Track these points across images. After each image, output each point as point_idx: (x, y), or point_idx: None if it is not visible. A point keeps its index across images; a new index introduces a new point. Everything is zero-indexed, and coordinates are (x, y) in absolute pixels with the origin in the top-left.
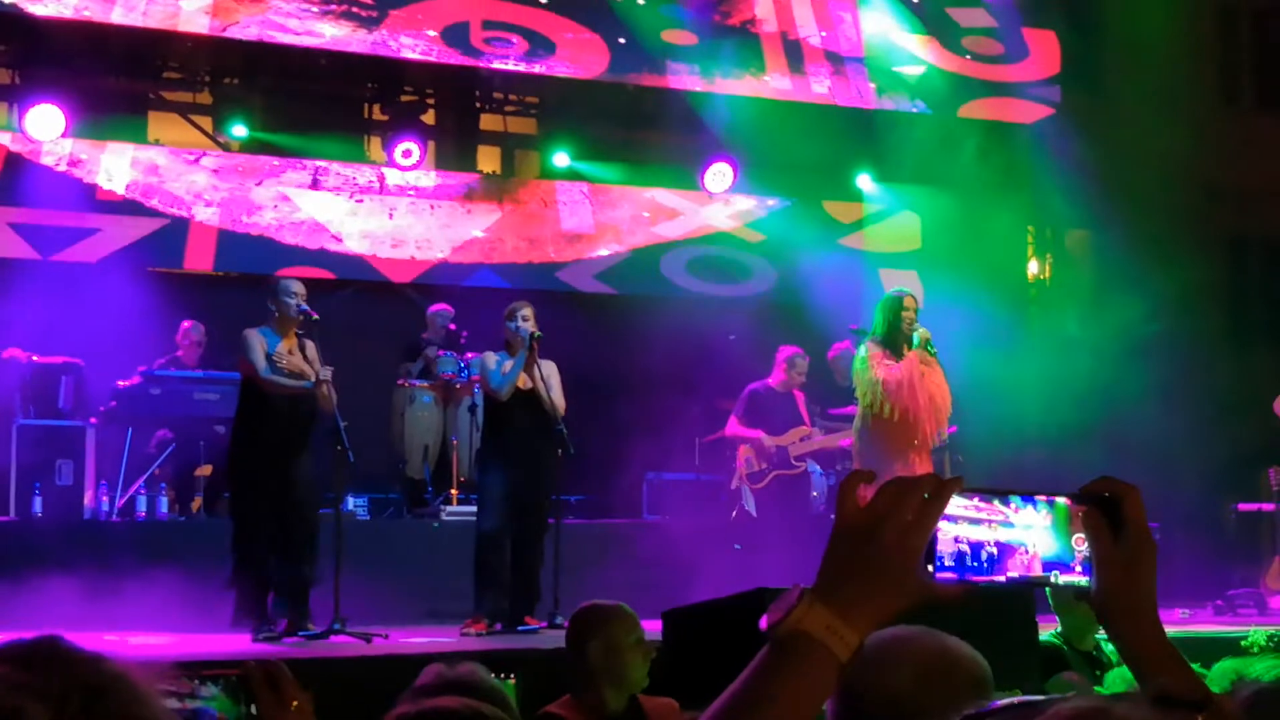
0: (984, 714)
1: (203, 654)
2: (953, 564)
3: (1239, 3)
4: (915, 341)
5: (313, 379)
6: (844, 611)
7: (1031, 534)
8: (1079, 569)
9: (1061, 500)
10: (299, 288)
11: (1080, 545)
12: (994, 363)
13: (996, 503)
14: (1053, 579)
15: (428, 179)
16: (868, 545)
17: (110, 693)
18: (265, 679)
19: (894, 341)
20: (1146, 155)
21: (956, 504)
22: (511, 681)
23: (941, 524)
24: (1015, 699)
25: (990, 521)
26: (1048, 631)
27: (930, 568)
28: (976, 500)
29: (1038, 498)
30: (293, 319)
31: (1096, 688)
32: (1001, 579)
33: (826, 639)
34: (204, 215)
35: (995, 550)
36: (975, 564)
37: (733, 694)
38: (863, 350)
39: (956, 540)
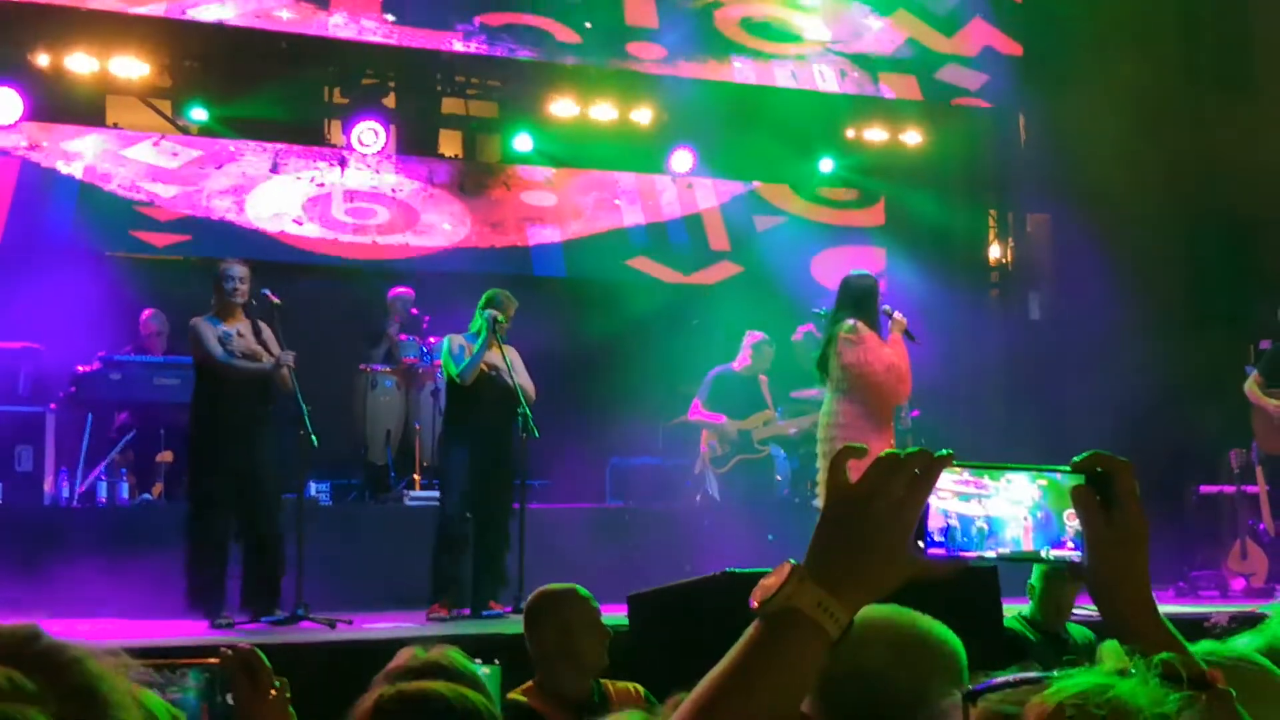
0: (987, 689)
1: (164, 641)
2: (943, 539)
3: None
4: (897, 327)
5: (271, 361)
6: (835, 588)
7: (1023, 509)
8: (1070, 544)
9: (1053, 475)
10: (240, 271)
11: (1072, 520)
12: (955, 346)
13: (988, 478)
14: (1044, 554)
15: (389, 163)
16: (859, 521)
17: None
18: (242, 666)
19: (874, 324)
20: (1106, 137)
21: (947, 479)
22: (496, 665)
23: (932, 499)
24: (1019, 674)
25: (981, 497)
26: (1007, 616)
27: (921, 543)
28: (967, 475)
29: (1030, 472)
30: (233, 304)
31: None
32: (992, 554)
33: (818, 616)
34: (163, 199)
35: (986, 525)
36: (966, 539)
37: (722, 672)
38: (850, 330)
39: (947, 516)
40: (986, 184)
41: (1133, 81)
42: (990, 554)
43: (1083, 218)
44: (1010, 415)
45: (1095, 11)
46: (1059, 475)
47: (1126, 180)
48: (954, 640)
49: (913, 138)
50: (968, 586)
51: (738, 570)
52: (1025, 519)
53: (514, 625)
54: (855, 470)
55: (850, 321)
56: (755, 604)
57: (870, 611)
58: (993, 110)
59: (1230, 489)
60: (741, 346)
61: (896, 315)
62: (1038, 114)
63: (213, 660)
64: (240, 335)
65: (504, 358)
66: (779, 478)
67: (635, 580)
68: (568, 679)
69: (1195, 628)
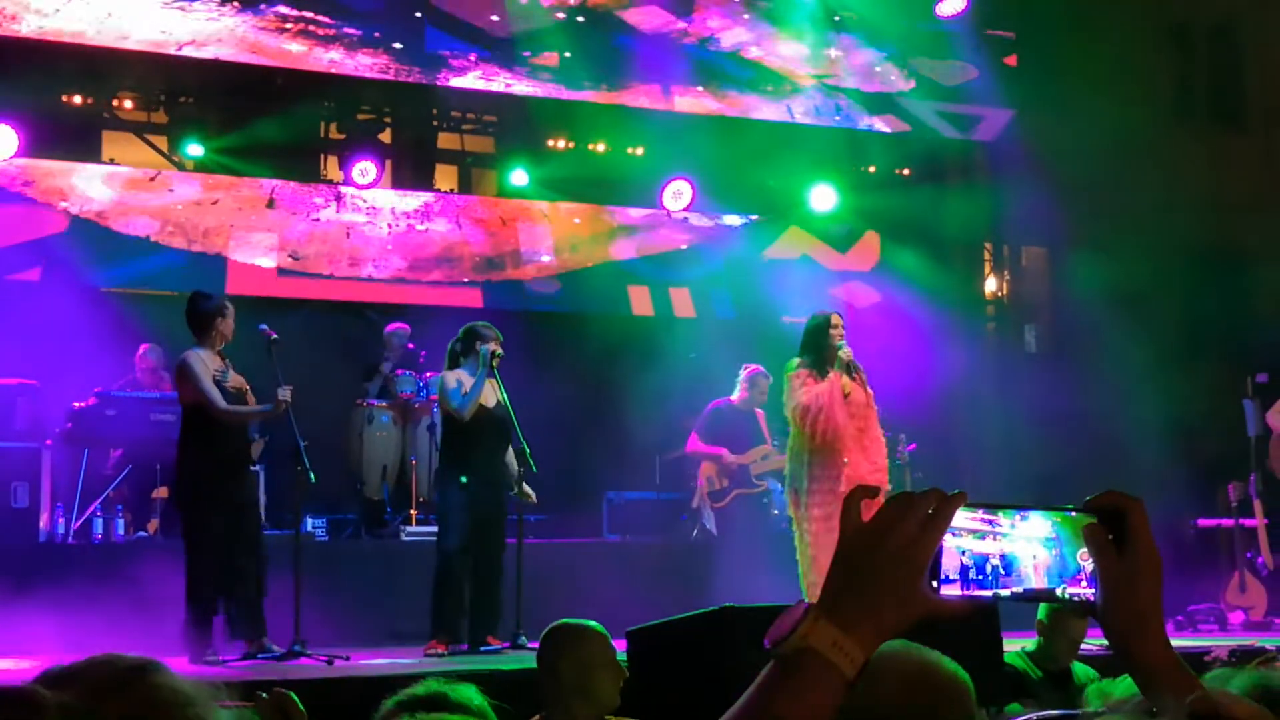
0: None
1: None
2: (957, 578)
3: (1193, 19)
4: (838, 363)
5: (270, 403)
6: (849, 627)
7: (1036, 547)
8: (1084, 583)
9: (1066, 513)
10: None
11: (1086, 559)
12: (951, 380)
13: (1001, 516)
14: (1059, 593)
15: (385, 197)
16: (872, 560)
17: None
18: (276, 709)
19: (821, 362)
20: (1102, 170)
21: (961, 518)
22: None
23: (947, 538)
24: (1049, 713)
25: (995, 535)
26: (1009, 652)
27: (935, 582)
28: (981, 514)
29: (1042, 511)
30: (226, 338)
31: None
32: (1006, 593)
33: (833, 655)
34: (160, 235)
35: (1000, 564)
36: (980, 578)
37: (737, 714)
38: (790, 368)
39: (961, 554)
40: (982, 217)
41: (1127, 115)
42: (1005, 592)
43: (1078, 251)
44: (1006, 448)
45: (1090, 47)
46: (1072, 513)
47: (1121, 213)
48: (963, 676)
49: (907, 171)
50: (967, 623)
51: (736, 605)
52: (1039, 557)
53: (511, 661)
54: (868, 510)
55: (794, 360)
56: (770, 645)
57: (881, 648)
58: (988, 144)
59: (1228, 522)
60: (739, 380)
61: (841, 352)
62: (1033, 146)
63: (247, 704)
64: (231, 370)
65: (501, 391)
66: (776, 512)
67: (633, 615)
68: (579, 715)
69: (1195, 662)
